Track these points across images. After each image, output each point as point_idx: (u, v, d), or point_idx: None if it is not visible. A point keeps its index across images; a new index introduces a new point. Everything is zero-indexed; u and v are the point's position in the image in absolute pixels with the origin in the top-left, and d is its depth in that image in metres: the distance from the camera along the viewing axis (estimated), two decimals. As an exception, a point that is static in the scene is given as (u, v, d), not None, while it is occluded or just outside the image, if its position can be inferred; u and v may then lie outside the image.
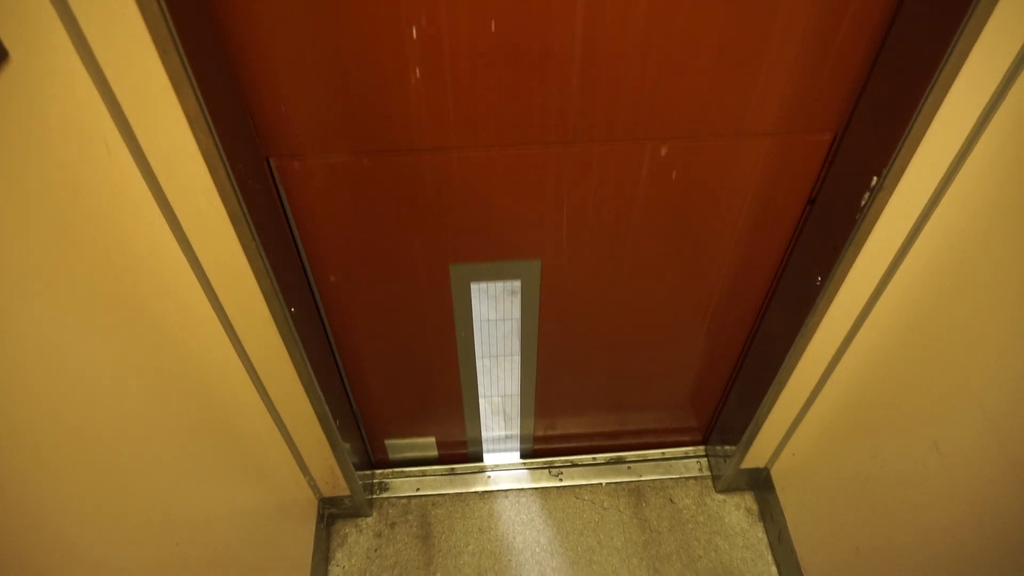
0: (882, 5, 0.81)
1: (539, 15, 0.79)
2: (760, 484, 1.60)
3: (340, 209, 1.00)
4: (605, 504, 1.61)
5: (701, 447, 1.72)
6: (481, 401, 1.53)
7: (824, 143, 0.97)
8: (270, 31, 0.77)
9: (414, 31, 0.79)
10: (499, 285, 1.13)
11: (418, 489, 1.64)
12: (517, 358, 1.33)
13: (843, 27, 0.83)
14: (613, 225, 1.07)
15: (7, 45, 0.57)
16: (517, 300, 1.16)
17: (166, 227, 0.82)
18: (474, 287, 1.14)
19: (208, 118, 0.72)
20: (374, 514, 1.60)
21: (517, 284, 1.14)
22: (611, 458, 1.69)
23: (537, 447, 1.67)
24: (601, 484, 1.65)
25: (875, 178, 0.87)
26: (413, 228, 1.05)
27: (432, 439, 1.59)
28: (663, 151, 0.96)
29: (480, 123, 0.91)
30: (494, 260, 1.12)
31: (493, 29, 0.80)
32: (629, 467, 1.68)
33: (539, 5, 0.78)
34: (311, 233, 1.04)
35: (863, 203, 0.90)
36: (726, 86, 0.88)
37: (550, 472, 1.67)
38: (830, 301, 1.06)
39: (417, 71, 0.83)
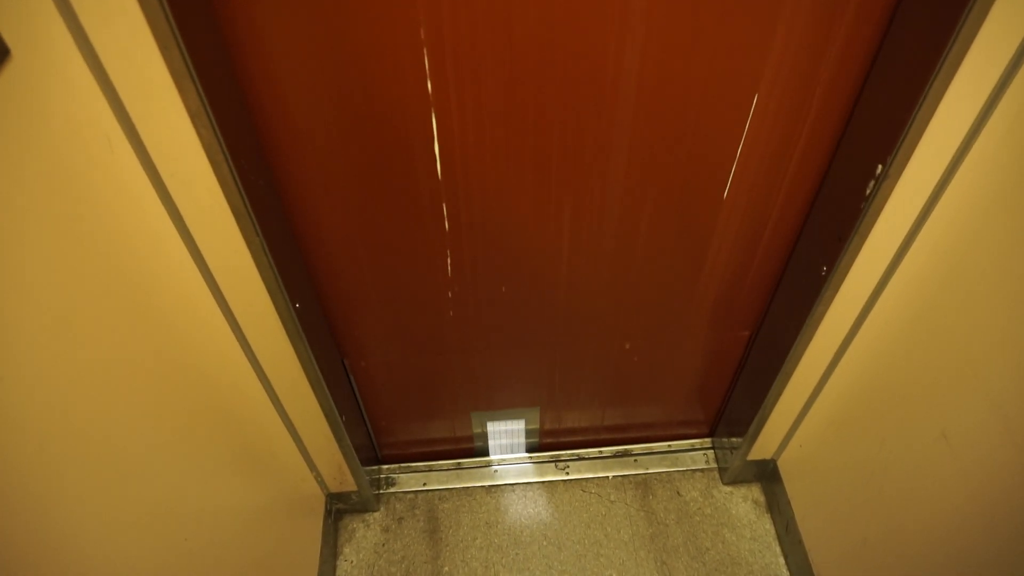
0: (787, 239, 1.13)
1: (533, 277, 1.17)
2: (767, 476, 1.60)
3: (393, 386, 1.41)
4: (612, 497, 1.61)
5: (708, 439, 1.72)
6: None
7: (744, 337, 1.38)
8: (354, 295, 1.16)
9: (449, 293, 1.18)
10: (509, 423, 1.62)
11: (425, 484, 1.64)
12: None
13: (758, 253, 1.15)
14: (593, 383, 1.49)
15: (8, 42, 0.57)
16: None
17: (169, 222, 0.82)
18: (489, 424, 1.59)
19: (210, 113, 0.72)
20: (381, 509, 1.60)
21: (522, 423, 1.61)
22: (617, 451, 1.69)
23: (543, 441, 1.67)
24: (608, 477, 1.65)
25: (880, 166, 0.87)
26: (445, 393, 1.46)
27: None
28: (627, 345, 1.37)
29: (494, 337, 1.30)
30: (504, 409, 1.54)
31: (504, 290, 1.19)
32: (636, 460, 1.68)
33: (532, 271, 1.16)
34: (371, 398, 1.44)
35: (868, 192, 0.90)
36: (668, 308, 1.27)
37: (556, 466, 1.67)
38: (835, 291, 1.05)
39: (451, 312, 1.23)
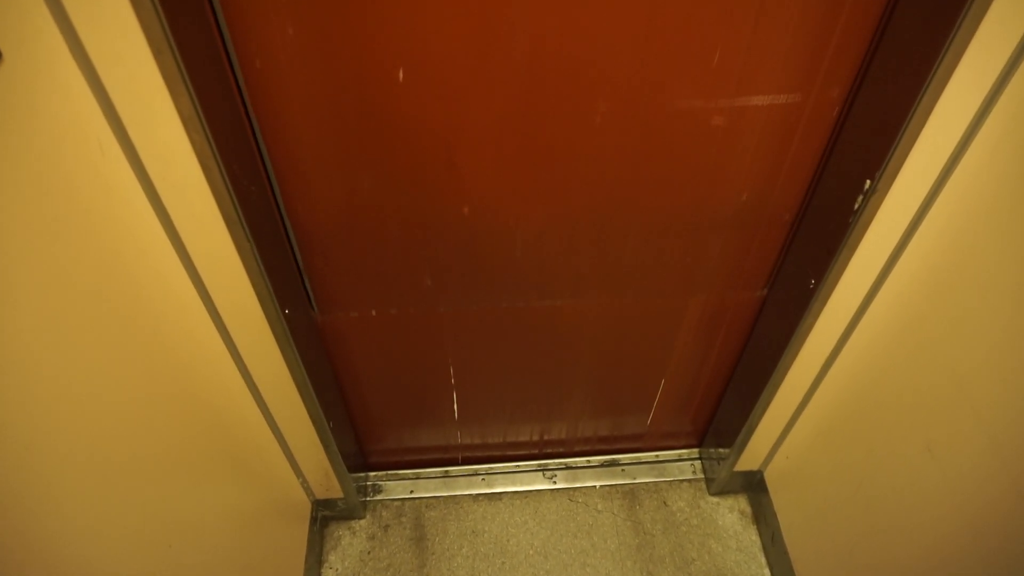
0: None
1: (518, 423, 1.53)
2: (754, 487, 1.61)
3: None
4: (599, 507, 1.61)
5: (695, 450, 1.72)
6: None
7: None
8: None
9: (456, 410, 1.48)
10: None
11: (412, 491, 1.63)
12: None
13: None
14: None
15: (0, 45, 0.56)
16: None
17: (160, 227, 0.82)
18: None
19: (202, 118, 0.72)
20: (367, 516, 1.60)
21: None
22: (605, 460, 1.69)
23: (531, 450, 1.66)
24: (595, 487, 1.65)
25: (868, 181, 0.88)
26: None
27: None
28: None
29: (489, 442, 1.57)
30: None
31: (509, 426, 1.55)
32: (623, 469, 1.68)
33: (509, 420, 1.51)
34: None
35: (856, 206, 0.91)
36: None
37: (544, 475, 1.66)
38: (824, 304, 1.06)
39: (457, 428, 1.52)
